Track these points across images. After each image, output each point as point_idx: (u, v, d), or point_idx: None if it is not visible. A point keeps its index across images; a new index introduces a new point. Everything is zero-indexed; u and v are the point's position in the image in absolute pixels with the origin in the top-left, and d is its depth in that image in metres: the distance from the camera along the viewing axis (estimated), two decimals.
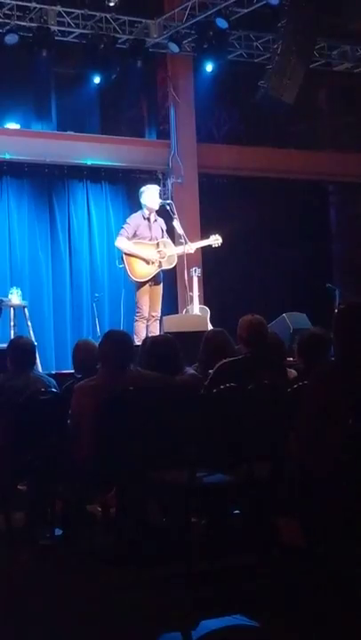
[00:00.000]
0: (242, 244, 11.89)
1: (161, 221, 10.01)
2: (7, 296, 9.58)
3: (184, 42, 11.39)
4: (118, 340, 5.44)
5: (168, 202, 10.18)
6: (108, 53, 10.98)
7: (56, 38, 10.79)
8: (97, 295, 10.94)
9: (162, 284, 9.98)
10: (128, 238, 9.75)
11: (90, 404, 5.13)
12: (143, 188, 10.03)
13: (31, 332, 9.45)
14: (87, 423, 5.15)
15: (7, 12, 10.36)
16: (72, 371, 6.50)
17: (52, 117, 12.07)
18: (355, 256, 13.66)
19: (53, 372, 8.24)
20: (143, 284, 9.73)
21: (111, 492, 5.40)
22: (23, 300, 9.68)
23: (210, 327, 9.06)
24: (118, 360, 5.31)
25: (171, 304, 11.30)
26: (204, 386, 5.34)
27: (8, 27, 10.38)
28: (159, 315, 9.85)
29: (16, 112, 11.82)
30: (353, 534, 3.91)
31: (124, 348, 5.39)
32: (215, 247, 10.28)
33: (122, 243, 9.77)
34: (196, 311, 10.17)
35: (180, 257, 9.92)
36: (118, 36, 11.14)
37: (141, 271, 9.72)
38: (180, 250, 9.89)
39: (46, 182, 11.63)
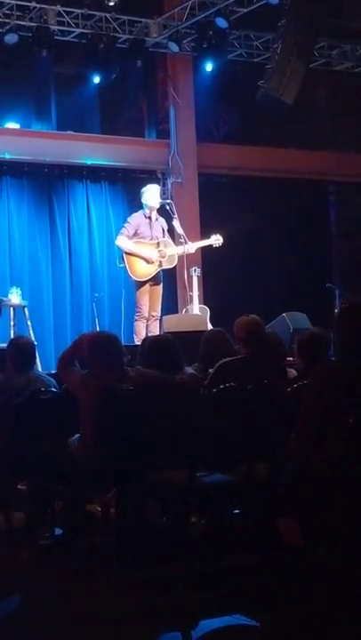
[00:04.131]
0: (242, 243, 11.88)
1: (162, 221, 10.01)
2: (7, 296, 9.58)
3: (184, 41, 11.39)
4: (110, 341, 5.44)
5: (168, 201, 10.19)
6: (108, 53, 10.97)
7: (56, 38, 10.78)
8: (97, 295, 10.93)
9: (162, 284, 9.98)
10: (129, 237, 9.75)
11: (88, 399, 5.12)
12: (144, 188, 10.04)
13: (31, 331, 9.45)
14: (86, 422, 5.15)
15: (7, 11, 10.36)
16: None
17: (51, 117, 12.06)
18: (355, 256, 13.66)
19: (53, 372, 8.22)
20: (143, 283, 9.73)
21: (111, 492, 5.41)
22: (23, 299, 9.68)
23: (209, 327, 9.06)
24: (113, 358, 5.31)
25: (170, 304, 11.29)
26: (204, 385, 5.34)
27: (8, 26, 10.38)
28: (159, 314, 9.85)
29: (16, 112, 11.81)
30: (353, 534, 3.90)
31: (113, 348, 5.40)
32: (216, 247, 10.28)
33: (122, 241, 9.77)
34: (196, 311, 10.17)
35: (180, 257, 9.92)
36: (118, 35, 11.14)
37: (141, 270, 9.71)
38: (180, 249, 9.89)
39: (46, 182, 11.63)
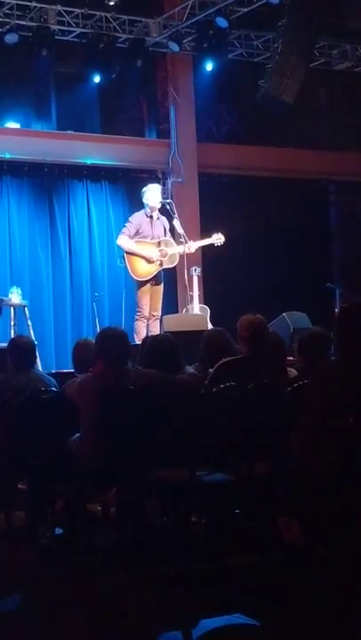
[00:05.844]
0: (242, 243, 11.87)
1: (164, 220, 10.01)
2: (7, 295, 9.57)
3: (184, 41, 11.37)
4: (118, 336, 5.44)
5: (168, 201, 10.19)
6: (108, 53, 10.96)
7: (56, 38, 10.76)
8: (97, 294, 10.93)
9: (162, 284, 9.98)
10: (130, 237, 9.76)
11: (88, 399, 5.12)
12: (145, 188, 10.07)
13: (31, 331, 9.44)
14: (87, 422, 5.14)
15: (7, 11, 10.34)
16: (72, 370, 6.50)
17: (52, 117, 12.06)
18: (355, 256, 13.66)
19: (53, 371, 8.24)
20: (144, 283, 9.74)
21: (111, 492, 5.41)
22: (23, 299, 9.68)
23: (210, 326, 9.06)
24: (119, 356, 5.31)
25: (171, 303, 11.29)
26: (205, 385, 5.33)
27: (8, 26, 10.36)
28: (160, 314, 9.85)
29: (16, 111, 11.81)
30: (353, 534, 3.90)
31: (125, 344, 5.40)
32: (217, 246, 10.28)
33: (123, 241, 9.77)
34: (196, 310, 10.17)
35: (181, 256, 9.92)
36: (118, 35, 11.13)
37: (142, 270, 9.72)
38: (181, 249, 9.89)
39: (46, 182, 11.62)
